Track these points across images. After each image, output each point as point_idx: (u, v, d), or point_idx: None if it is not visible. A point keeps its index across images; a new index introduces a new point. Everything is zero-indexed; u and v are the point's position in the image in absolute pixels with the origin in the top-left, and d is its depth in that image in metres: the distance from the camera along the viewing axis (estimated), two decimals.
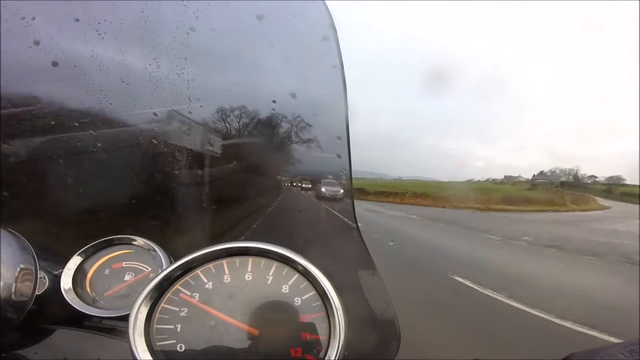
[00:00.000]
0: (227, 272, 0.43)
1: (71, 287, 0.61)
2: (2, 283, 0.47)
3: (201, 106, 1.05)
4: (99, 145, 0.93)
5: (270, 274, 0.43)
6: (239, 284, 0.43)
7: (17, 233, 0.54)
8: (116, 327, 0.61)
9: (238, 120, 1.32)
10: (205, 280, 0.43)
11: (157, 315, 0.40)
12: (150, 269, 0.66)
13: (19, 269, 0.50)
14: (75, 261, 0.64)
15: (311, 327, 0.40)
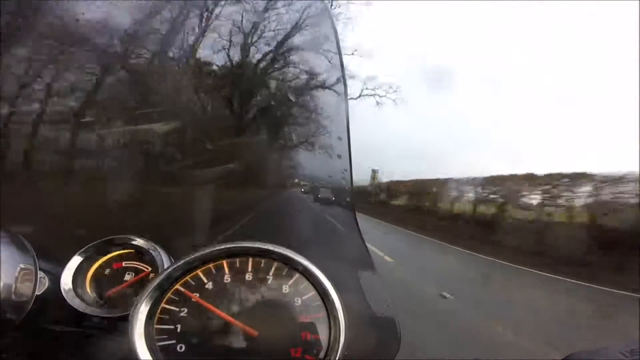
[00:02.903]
0: (227, 272, 0.43)
1: (71, 287, 0.61)
2: (2, 283, 0.47)
3: (202, 106, 1.05)
4: (99, 145, 0.93)
5: (271, 274, 0.43)
6: (239, 284, 0.43)
7: (17, 233, 0.54)
8: (116, 327, 0.61)
9: (238, 120, 1.32)
10: (206, 280, 0.43)
11: (157, 315, 0.40)
12: (150, 269, 0.66)
13: (19, 269, 0.50)
14: (75, 261, 0.64)
15: (311, 327, 0.40)
